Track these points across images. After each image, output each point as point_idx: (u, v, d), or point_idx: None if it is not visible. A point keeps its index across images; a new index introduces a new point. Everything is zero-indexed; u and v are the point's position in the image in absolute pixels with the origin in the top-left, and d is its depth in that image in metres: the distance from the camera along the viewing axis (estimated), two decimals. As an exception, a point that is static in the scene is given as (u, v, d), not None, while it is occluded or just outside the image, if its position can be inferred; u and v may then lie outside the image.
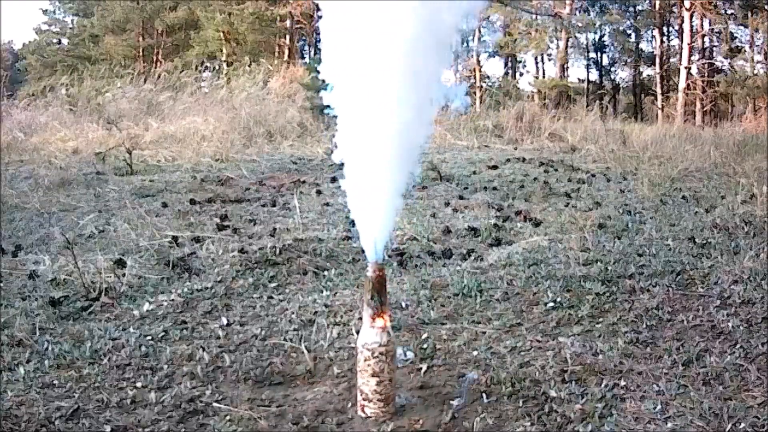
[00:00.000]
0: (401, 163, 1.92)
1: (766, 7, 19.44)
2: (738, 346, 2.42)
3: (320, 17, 1.92)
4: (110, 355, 2.37)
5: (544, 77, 24.15)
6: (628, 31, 24.31)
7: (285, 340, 2.51)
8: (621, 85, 26.23)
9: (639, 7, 23.07)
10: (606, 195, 5.49)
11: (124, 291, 3.03)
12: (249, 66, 13.23)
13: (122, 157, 6.67)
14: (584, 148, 8.50)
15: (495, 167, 6.84)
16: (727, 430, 1.89)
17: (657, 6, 22.15)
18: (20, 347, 2.42)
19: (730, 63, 21.70)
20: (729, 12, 20.97)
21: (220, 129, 8.53)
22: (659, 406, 2.01)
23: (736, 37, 22.02)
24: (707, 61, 21.46)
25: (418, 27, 1.76)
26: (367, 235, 1.98)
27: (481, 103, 16.77)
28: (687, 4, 20.02)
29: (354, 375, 2.08)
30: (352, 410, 2.00)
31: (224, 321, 2.72)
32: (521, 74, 26.42)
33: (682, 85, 20.29)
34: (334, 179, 5.81)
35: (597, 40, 24.73)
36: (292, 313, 2.80)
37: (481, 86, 22.02)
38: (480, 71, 23.20)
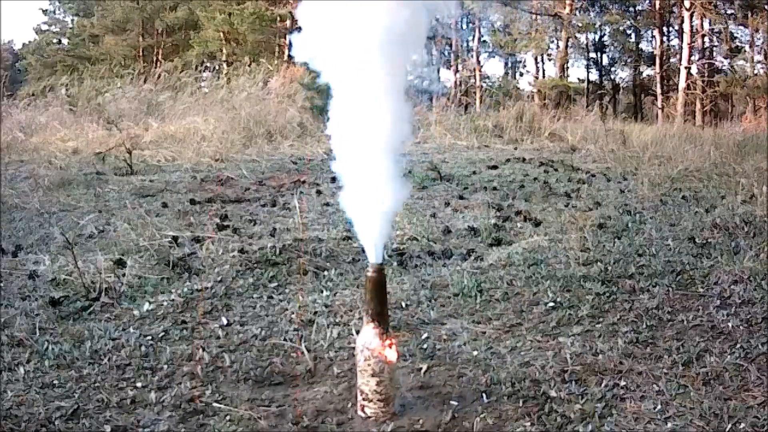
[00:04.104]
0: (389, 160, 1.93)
1: (766, 7, 19.44)
2: (738, 346, 2.43)
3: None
4: (110, 355, 2.37)
5: (544, 77, 24.14)
6: (628, 31, 24.27)
7: (285, 340, 2.51)
8: (621, 85, 26.19)
9: (639, 7, 23.05)
10: (606, 195, 5.49)
11: (124, 291, 3.03)
12: (249, 66, 13.21)
13: (122, 157, 6.67)
14: (584, 148, 8.49)
15: (495, 167, 6.83)
16: (727, 430, 1.89)
17: (657, 6, 22.13)
18: (20, 347, 2.43)
19: (730, 63, 21.70)
20: (729, 12, 20.96)
21: (220, 129, 8.52)
22: (659, 406, 2.01)
23: (736, 37, 22.01)
24: (707, 61, 21.44)
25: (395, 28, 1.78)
26: (366, 236, 1.98)
27: (481, 103, 16.77)
28: (687, 4, 20.00)
29: (354, 375, 2.08)
30: (352, 410, 2.00)
31: (224, 321, 2.72)
32: (521, 74, 26.45)
33: (682, 85, 20.28)
34: (334, 179, 5.81)
35: (597, 40, 24.70)
36: (292, 313, 2.80)
37: (481, 86, 22.03)
38: (480, 71, 23.21)
